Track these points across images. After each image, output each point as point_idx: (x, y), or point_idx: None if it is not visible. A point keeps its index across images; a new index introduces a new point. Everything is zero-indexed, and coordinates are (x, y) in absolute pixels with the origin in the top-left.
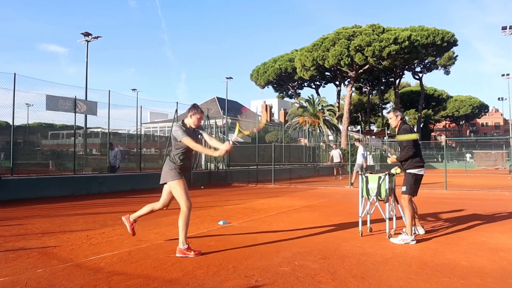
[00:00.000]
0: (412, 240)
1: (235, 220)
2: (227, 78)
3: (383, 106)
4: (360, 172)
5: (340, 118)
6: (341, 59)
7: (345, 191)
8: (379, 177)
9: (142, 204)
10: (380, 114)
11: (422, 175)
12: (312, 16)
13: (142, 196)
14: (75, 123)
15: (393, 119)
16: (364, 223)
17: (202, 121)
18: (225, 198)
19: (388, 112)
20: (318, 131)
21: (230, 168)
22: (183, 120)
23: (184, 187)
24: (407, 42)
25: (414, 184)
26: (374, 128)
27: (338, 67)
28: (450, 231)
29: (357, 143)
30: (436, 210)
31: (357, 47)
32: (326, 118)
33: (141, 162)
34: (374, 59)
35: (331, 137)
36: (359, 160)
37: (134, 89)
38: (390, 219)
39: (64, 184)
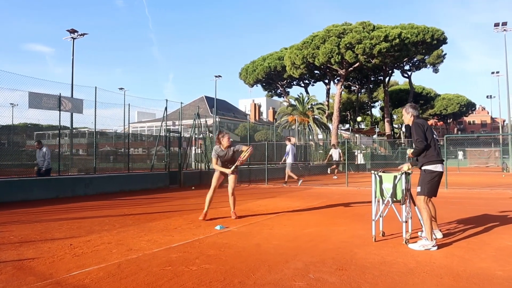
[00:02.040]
0: (433, 246)
1: (233, 224)
2: (215, 76)
3: (372, 104)
4: (289, 172)
5: (329, 116)
6: (332, 56)
7: (343, 190)
8: (395, 177)
9: (131, 206)
10: (369, 112)
11: (438, 172)
12: (301, 14)
13: (131, 198)
14: (59, 121)
15: (404, 116)
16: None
17: (195, 121)
18: (218, 199)
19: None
20: (308, 129)
21: None
22: (220, 143)
23: (217, 178)
24: (397, 40)
25: (429, 182)
26: (363, 126)
27: (328, 65)
28: (468, 235)
29: (287, 142)
30: (445, 211)
31: (348, 45)
32: (315, 116)
33: (129, 162)
34: (365, 56)
35: (320, 136)
36: (289, 159)
37: (121, 88)
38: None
39: (48, 186)
